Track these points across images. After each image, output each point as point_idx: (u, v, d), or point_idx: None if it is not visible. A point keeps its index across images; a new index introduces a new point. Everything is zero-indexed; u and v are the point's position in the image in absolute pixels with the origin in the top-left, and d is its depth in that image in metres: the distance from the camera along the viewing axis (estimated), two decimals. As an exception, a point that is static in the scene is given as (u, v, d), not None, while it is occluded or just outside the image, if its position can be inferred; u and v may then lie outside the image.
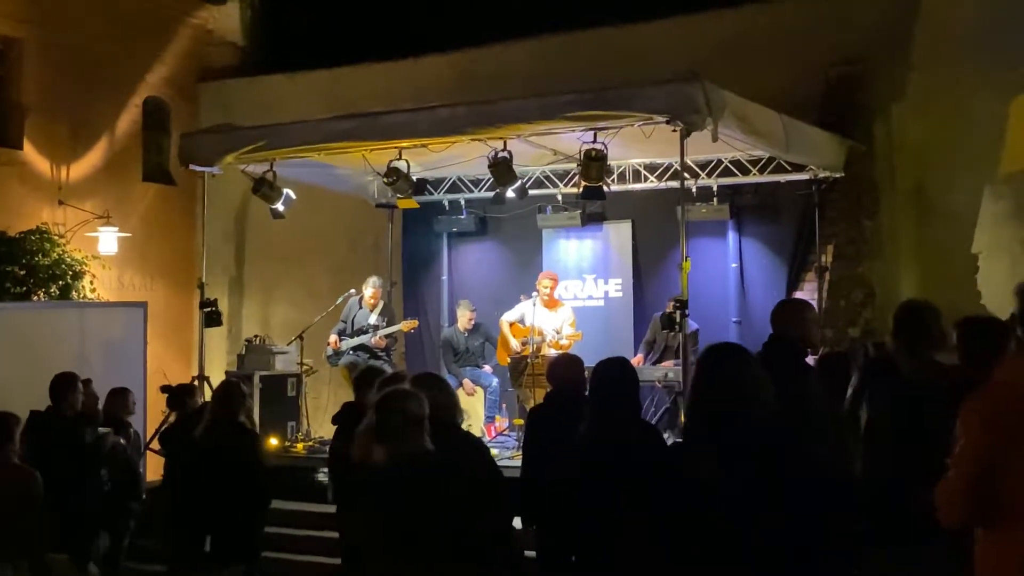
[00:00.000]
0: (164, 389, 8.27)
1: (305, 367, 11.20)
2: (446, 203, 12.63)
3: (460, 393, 11.44)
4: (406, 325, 11.52)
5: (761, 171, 10.83)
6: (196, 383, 10.06)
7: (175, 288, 15.11)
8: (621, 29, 12.64)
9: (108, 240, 13.70)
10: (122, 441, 7.84)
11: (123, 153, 14.84)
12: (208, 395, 10.16)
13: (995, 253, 10.64)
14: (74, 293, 12.85)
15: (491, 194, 11.87)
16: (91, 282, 13.22)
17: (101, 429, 7.63)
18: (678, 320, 8.72)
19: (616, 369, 5.15)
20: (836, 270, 10.94)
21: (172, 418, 8.21)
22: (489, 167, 9.58)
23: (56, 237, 13.06)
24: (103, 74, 14.32)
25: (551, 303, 10.94)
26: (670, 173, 11.17)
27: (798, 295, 11.13)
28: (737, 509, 3.53)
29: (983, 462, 3.35)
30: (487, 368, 11.66)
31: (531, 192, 11.66)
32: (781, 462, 3.57)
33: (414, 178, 10.43)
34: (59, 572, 5.90)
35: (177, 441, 7.45)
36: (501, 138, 9.33)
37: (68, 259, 12.91)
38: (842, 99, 11.07)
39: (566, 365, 6.54)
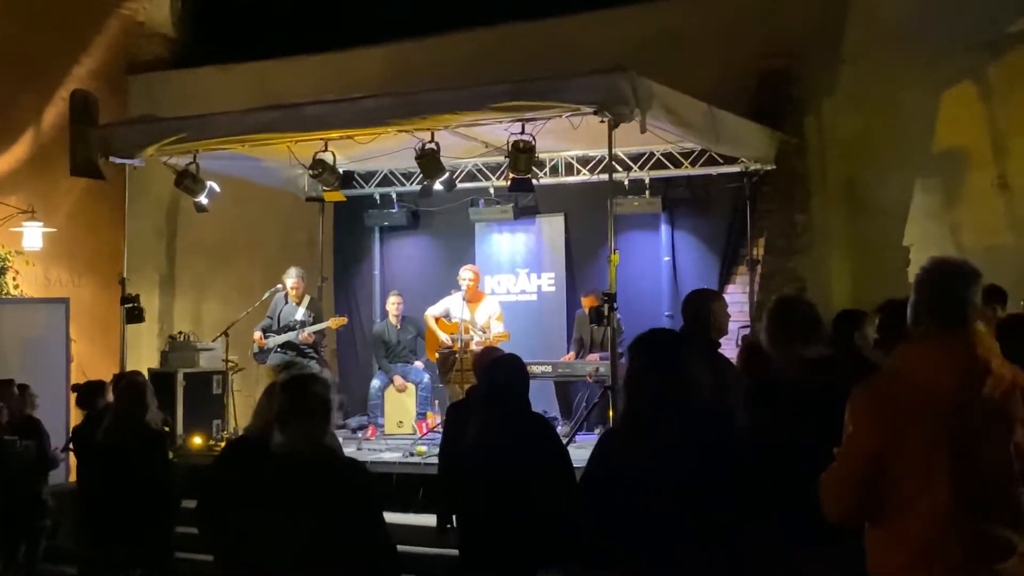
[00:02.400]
0: (74, 388, 8.02)
1: (231, 364, 10.96)
2: (377, 197, 12.46)
3: (390, 389, 11.33)
4: (334, 322, 11.31)
5: (693, 164, 10.75)
6: (112, 381, 9.78)
7: (103, 285, 14.74)
8: (554, 21, 12.51)
9: (33, 235, 13.36)
10: (28, 442, 7.58)
11: (49, 146, 14.43)
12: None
13: (926, 246, 10.61)
14: (-4, 290, 12.57)
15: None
16: (14, 278, 12.90)
17: (8, 438, 7.36)
18: (606, 314, 8.58)
19: (505, 367, 5.07)
20: (768, 263, 10.90)
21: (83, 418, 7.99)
22: (416, 159, 9.42)
23: (-23, 232, 12.77)
24: (27, 65, 13.96)
25: (474, 296, 10.79)
26: (602, 166, 11.08)
27: (730, 288, 11.10)
28: (670, 501, 3.42)
29: (869, 454, 3.25)
30: (418, 364, 11.49)
31: (463, 185, 11.55)
32: (723, 451, 3.48)
33: (341, 171, 10.23)
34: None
35: (84, 441, 7.24)
36: (428, 129, 9.16)
37: (-11, 254, 12.62)
38: (773, 92, 11.01)
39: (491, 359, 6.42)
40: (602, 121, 8.46)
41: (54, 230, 13.72)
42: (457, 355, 10.11)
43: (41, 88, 14.36)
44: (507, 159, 9.13)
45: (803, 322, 4.19)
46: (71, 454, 9.14)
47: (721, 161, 10.61)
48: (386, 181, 12.24)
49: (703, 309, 5.12)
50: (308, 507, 3.71)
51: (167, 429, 7.83)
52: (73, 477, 9.43)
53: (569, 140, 10.16)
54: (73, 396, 8.14)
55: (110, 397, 8.25)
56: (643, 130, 8.55)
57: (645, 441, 3.55)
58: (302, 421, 3.84)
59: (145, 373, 12.26)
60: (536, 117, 8.72)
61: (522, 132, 8.85)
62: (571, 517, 4.38)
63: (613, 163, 9.14)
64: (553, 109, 8.58)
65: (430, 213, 12.41)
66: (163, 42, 15.81)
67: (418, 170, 11.39)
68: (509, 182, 9.30)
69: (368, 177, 12.30)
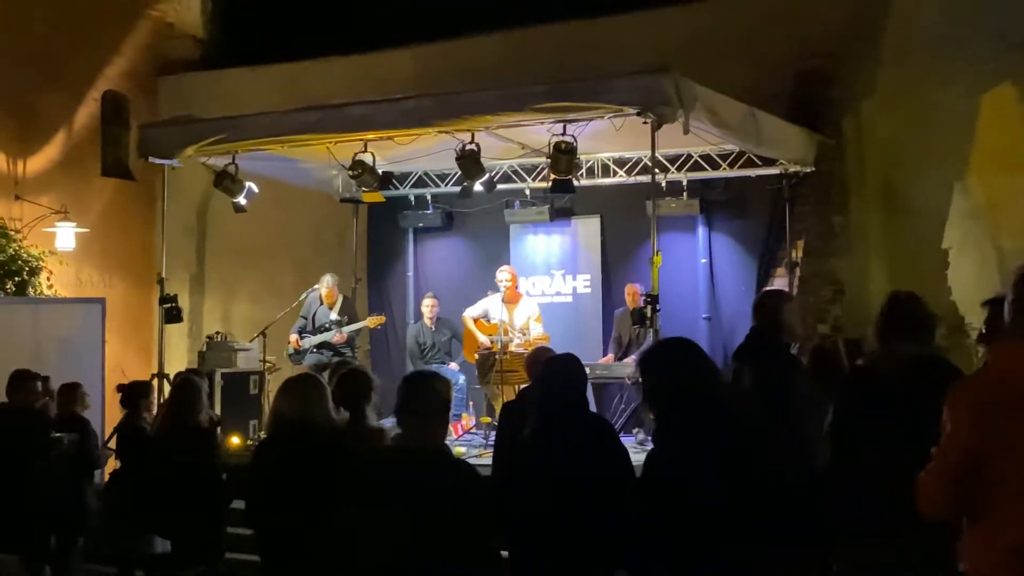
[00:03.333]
0: (119, 388, 8.03)
1: (268, 364, 10.98)
2: (412, 198, 12.46)
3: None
4: (372, 321, 11.33)
5: (731, 165, 10.73)
6: (154, 381, 9.82)
7: (134, 285, 14.85)
8: (587, 23, 12.51)
9: (66, 235, 13.40)
10: (76, 438, 7.59)
11: (81, 147, 14.54)
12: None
13: (964, 249, 10.62)
14: (31, 289, 12.57)
15: (458, 188, 11.74)
16: (48, 278, 12.93)
17: (56, 435, 7.37)
18: (649, 316, 8.56)
19: (560, 364, 5.01)
20: (806, 266, 10.86)
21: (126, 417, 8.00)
22: (456, 160, 9.41)
23: (12, 232, 12.78)
24: (60, 66, 14.02)
25: (512, 297, 10.78)
26: (639, 168, 11.07)
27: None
28: (710, 506, 3.41)
29: (967, 452, 3.22)
30: (453, 365, 11.50)
31: (499, 187, 11.52)
32: (751, 453, 3.46)
33: (380, 171, 10.23)
34: (11, 574, 5.68)
35: (131, 440, 7.25)
36: (468, 130, 9.17)
37: (24, 255, 12.62)
38: (811, 94, 10.98)
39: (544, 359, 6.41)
40: (645, 122, 8.46)
41: (87, 230, 13.76)
42: (496, 356, 10.09)
43: (73, 88, 14.42)
44: (547, 160, 9.11)
45: (905, 320, 4.18)
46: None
47: (759, 163, 10.59)
48: (421, 182, 12.25)
49: (774, 310, 5.09)
50: (420, 505, 3.68)
51: (219, 429, 7.85)
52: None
53: (605, 142, 10.15)
54: (118, 396, 8.11)
55: (152, 397, 8.35)
56: (686, 131, 8.54)
57: (678, 447, 3.54)
58: (420, 418, 3.82)
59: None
60: (579, 118, 8.71)
61: (563, 133, 8.85)
62: (632, 519, 4.37)
63: (653, 165, 9.11)
64: (596, 110, 8.57)
65: (464, 214, 12.42)
66: (193, 43, 15.89)
67: (454, 171, 11.49)
68: (550, 183, 9.28)
69: (403, 178, 12.32)
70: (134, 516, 6.86)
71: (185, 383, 6.80)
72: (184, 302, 15.00)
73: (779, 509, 3.39)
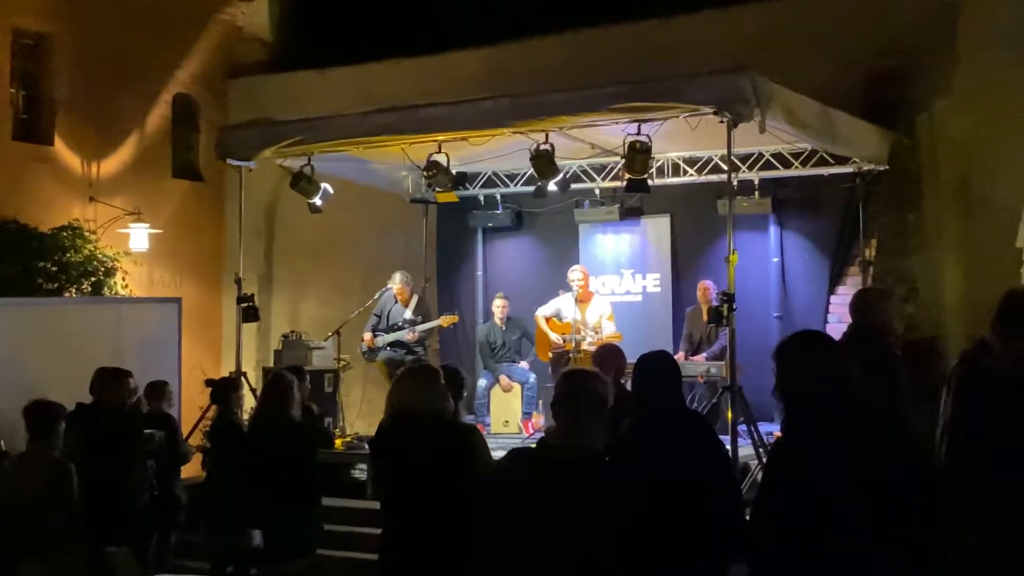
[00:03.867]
0: (208, 383, 8.18)
1: (342, 363, 11.11)
2: (481, 198, 12.53)
3: (496, 389, 11.43)
4: (445, 320, 11.43)
5: (804, 164, 10.71)
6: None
7: (203, 285, 15.07)
8: (657, 23, 12.50)
9: (139, 237, 13.63)
10: (164, 434, 7.74)
11: (152, 149, 14.76)
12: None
13: (1039, 248, 10.52)
14: (106, 290, 12.80)
15: (527, 188, 11.85)
16: (124, 278, 13.16)
17: (147, 431, 7.52)
18: (725, 314, 8.58)
19: (656, 361, 5.02)
20: (880, 264, 10.83)
21: (214, 412, 8.15)
22: (531, 160, 9.47)
23: (88, 233, 13.01)
24: (132, 70, 14.24)
25: (585, 296, 10.83)
26: (710, 167, 11.08)
27: (840, 290, 11.06)
28: (838, 504, 3.43)
29: None
30: (523, 364, 11.57)
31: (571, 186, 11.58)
32: (887, 453, 3.47)
33: (454, 172, 10.32)
34: (121, 566, 5.81)
35: (224, 436, 7.38)
36: (544, 131, 9.23)
37: (100, 255, 12.86)
38: (885, 93, 10.93)
39: (614, 355, 6.49)
40: (721, 121, 8.46)
41: (160, 231, 13.97)
42: (571, 355, 10.15)
43: (144, 92, 14.64)
44: (622, 159, 9.15)
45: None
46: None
47: (832, 162, 10.57)
48: (490, 182, 12.33)
49: (876, 308, 5.08)
50: (575, 506, 3.71)
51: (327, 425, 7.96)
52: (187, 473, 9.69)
53: (678, 141, 10.17)
54: (199, 392, 8.27)
55: (241, 392, 8.50)
56: (762, 130, 8.55)
57: (812, 446, 3.55)
58: (580, 417, 3.86)
59: (253, 371, 12.64)
60: (655, 118, 8.74)
61: (638, 132, 8.88)
62: (736, 516, 4.40)
63: (729, 164, 9.13)
64: (673, 110, 8.59)
65: (534, 214, 12.49)
66: (261, 46, 16.07)
67: (523, 170, 11.61)
68: (625, 183, 9.32)
69: (472, 178, 12.40)
70: (230, 511, 6.97)
71: (278, 379, 6.91)
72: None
73: (907, 504, 3.41)
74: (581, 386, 3.99)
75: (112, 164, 14.21)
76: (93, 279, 12.73)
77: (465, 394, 6.24)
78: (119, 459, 6.99)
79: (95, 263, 12.76)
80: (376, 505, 5.31)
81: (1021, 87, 10.42)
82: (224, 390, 7.96)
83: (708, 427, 5.03)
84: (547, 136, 9.31)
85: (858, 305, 5.14)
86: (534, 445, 4.19)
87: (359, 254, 14.26)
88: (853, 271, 11.03)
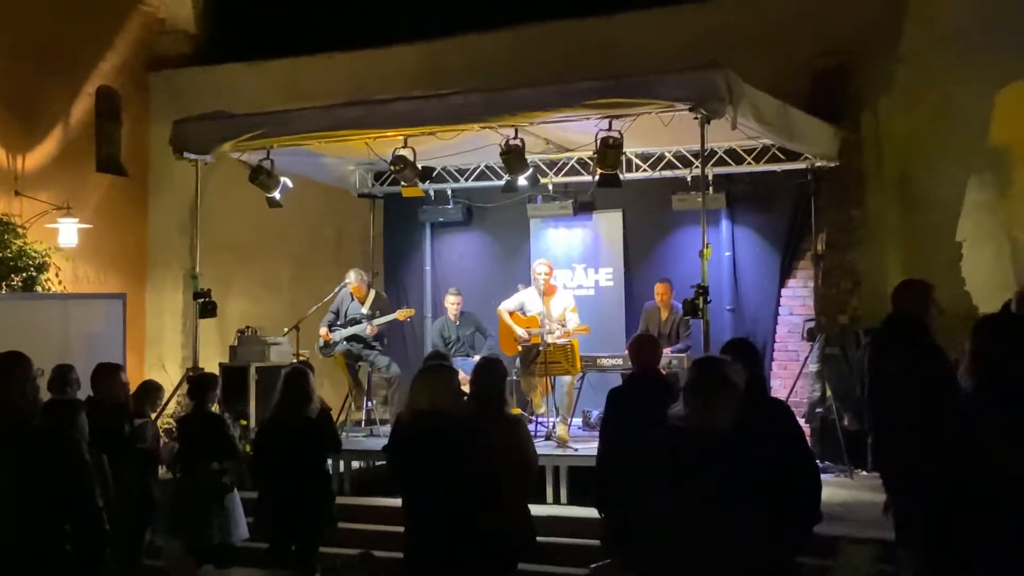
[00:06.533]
0: (189, 380, 8.09)
1: (302, 358, 10.99)
2: (431, 193, 12.49)
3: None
4: (402, 314, 11.37)
5: (756, 160, 10.94)
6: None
7: (127, 280, 14.77)
8: (600, 20, 12.65)
9: (68, 231, 13.28)
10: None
11: (76, 143, 14.42)
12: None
13: (979, 241, 10.96)
14: (38, 286, 12.44)
15: (478, 184, 11.89)
16: (56, 274, 12.81)
17: (139, 421, 7.40)
18: (701, 307, 8.75)
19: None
20: (828, 258, 11.14)
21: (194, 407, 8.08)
22: (501, 155, 9.52)
23: (18, 228, 12.62)
24: (56, 62, 13.89)
25: (549, 289, 10.90)
26: (663, 163, 11.25)
27: (791, 283, 11.37)
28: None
29: None
30: (477, 358, 11.56)
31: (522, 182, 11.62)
32: None
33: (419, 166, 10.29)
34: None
35: (195, 428, 7.35)
36: (515, 126, 9.27)
37: (30, 251, 12.49)
38: (829, 90, 11.25)
39: (650, 346, 6.58)
40: (695, 118, 8.61)
41: (89, 226, 13.62)
42: (539, 348, 10.21)
43: (69, 84, 14.31)
44: (594, 154, 9.24)
45: None
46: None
47: (783, 157, 10.82)
48: (440, 178, 12.29)
49: (919, 301, 5.21)
50: (711, 478, 3.82)
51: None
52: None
53: (629, 138, 10.27)
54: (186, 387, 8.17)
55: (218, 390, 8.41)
56: (734, 127, 8.78)
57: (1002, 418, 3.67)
58: (717, 398, 3.97)
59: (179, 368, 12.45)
60: (628, 113, 8.85)
61: (609, 128, 8.99)
62: (814, 489, 4.60)
63: (704, 159, 9.30)
64: (647, 106, 8.72)
65: (484, 209, 12.48)
66: (185, 39, 15.78)
67: (473, 165, 11.66)
68: (597, 177, 9.41)
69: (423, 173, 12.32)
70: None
71: (294, 374, 6.89)
72: (178, 298, 15.04)
73: None
74: (715, 371, 4.10)
75: (37, 158, 13.83)
76: (24, 275, 12.37)
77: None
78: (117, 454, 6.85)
79: (24, 259, 12.39)
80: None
81: (962, 85, 10.84)
82: (202, 386, 7.97)
83: (786, 409, 5.14)
84: (516, 131, 9.35)
85: (904, 296, 5.28)
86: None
87: (287, 249, 14.12)
88: (804, 265, 11.33)
